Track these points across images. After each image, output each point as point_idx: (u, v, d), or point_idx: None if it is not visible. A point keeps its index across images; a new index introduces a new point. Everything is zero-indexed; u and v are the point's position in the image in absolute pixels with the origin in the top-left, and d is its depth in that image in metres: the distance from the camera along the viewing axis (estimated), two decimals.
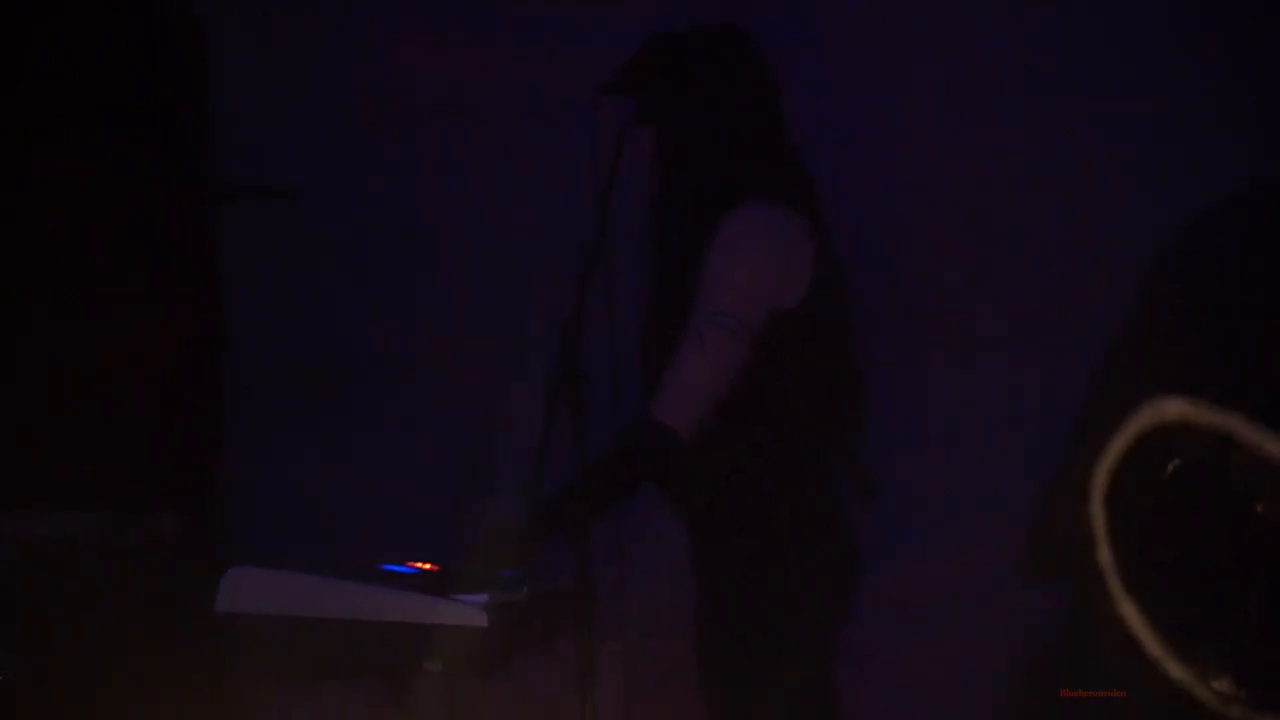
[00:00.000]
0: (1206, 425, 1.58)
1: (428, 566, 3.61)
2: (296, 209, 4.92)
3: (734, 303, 3.53)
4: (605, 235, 3.66)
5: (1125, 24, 4.66)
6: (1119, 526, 1.64)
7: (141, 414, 4.75)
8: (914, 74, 4.77)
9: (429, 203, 5.02)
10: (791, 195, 3.62)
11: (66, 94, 4.75)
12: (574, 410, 3.63)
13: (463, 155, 4.98)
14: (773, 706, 3.62)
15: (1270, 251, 1.67)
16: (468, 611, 3.39)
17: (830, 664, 3.70)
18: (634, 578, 3.86)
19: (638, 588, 3.88)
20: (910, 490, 4.51)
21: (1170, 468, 1.61)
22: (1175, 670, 1.62)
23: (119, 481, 4.64)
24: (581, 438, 3.65)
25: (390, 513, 4.77)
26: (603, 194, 3.65)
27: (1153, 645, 1.64)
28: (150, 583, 4.43)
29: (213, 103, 5.04)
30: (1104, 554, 1.64)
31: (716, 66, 3.66)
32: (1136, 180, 4.59)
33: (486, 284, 4.96)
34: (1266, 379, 1.62)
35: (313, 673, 3.66)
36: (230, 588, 3.47)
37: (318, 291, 5.06)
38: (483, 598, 3.44)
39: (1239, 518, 1.60)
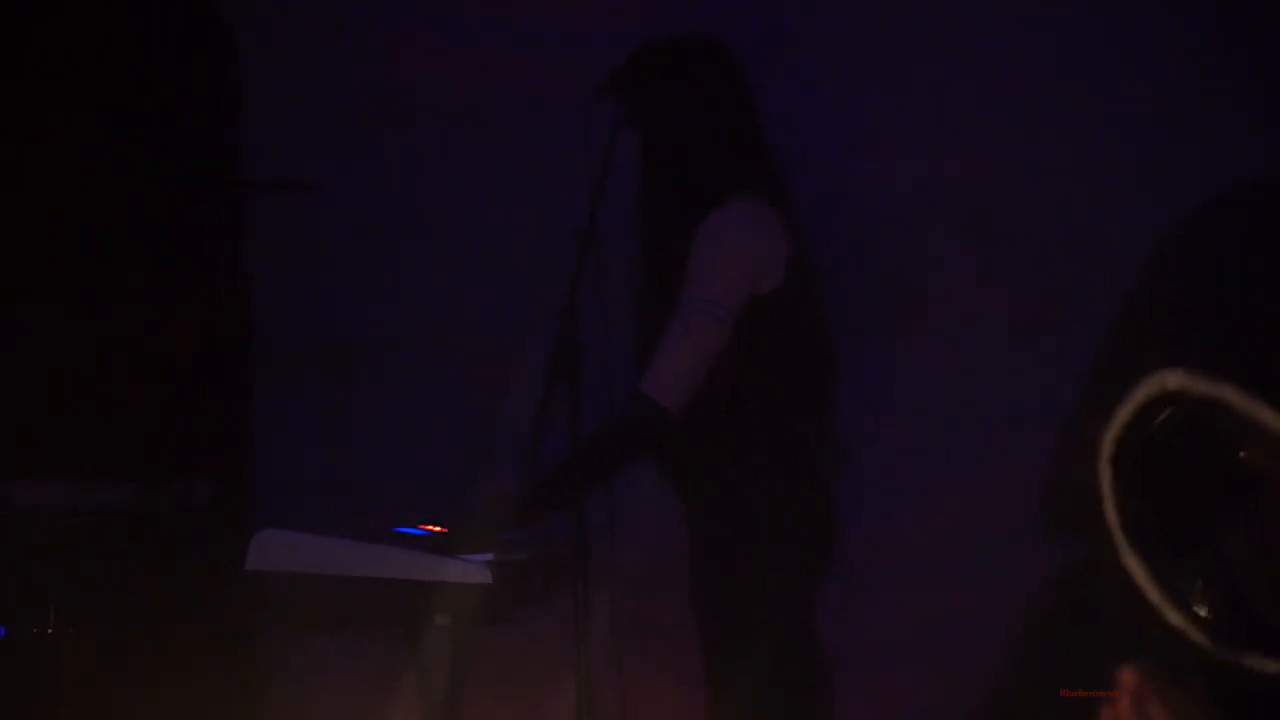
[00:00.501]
0: (1204, 394, 1.60)
1: (437, 529, 3.76)
2: (319, 204, 4.91)
3: (716, 290, 3.73)
4: (597, 225, 3.83)
5: (1125, 24, 4.65)
6: (1122, 485, 1.66)
7: (178, 391, 4.81)
8: (914, 74, 4.76)
9: (438, 198, 5.00)
10: (768, 193, 3.82)
11: (115, 99, 4.79)
12: (569, 388, 3.77)
13: (467, 153, 4.97)
14: (761, 654, 3.78)
15: (1266, 246, 1.66)
16: (473, 570, 3.57)
17: (813, 617, 3.88)
18: (624, 539, 3.96)
19: (628, 548, 3.97)
20: (909, 474, 4.58)
21: (1164, 415, 1.63)
22: (1173, 617, 1.64)
23: (158, 452, 4.69)
24: (576, 414, 3.79)
25: (403, 481, 4.78)
26: (595, 188, 3.82)
27: (1153, 594, 1.65)
28: (186, 545, 4.46)
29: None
30: (1110, 511, 1.66)
31: (698, 75, 3.85)
32: (1136, 180, 4.55)
33: (490, 274, 4.93)
34: (1256, 355, 1.59)
35: (332, 625, 3.81)
36: (258, 549, 3.64)
37: (339, 280, 5.06)
38: (486, 557, 3.60)
39: (1225, 466, 1.62)
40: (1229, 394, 1.56)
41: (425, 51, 5.04)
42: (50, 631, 4.30)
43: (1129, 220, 4.47)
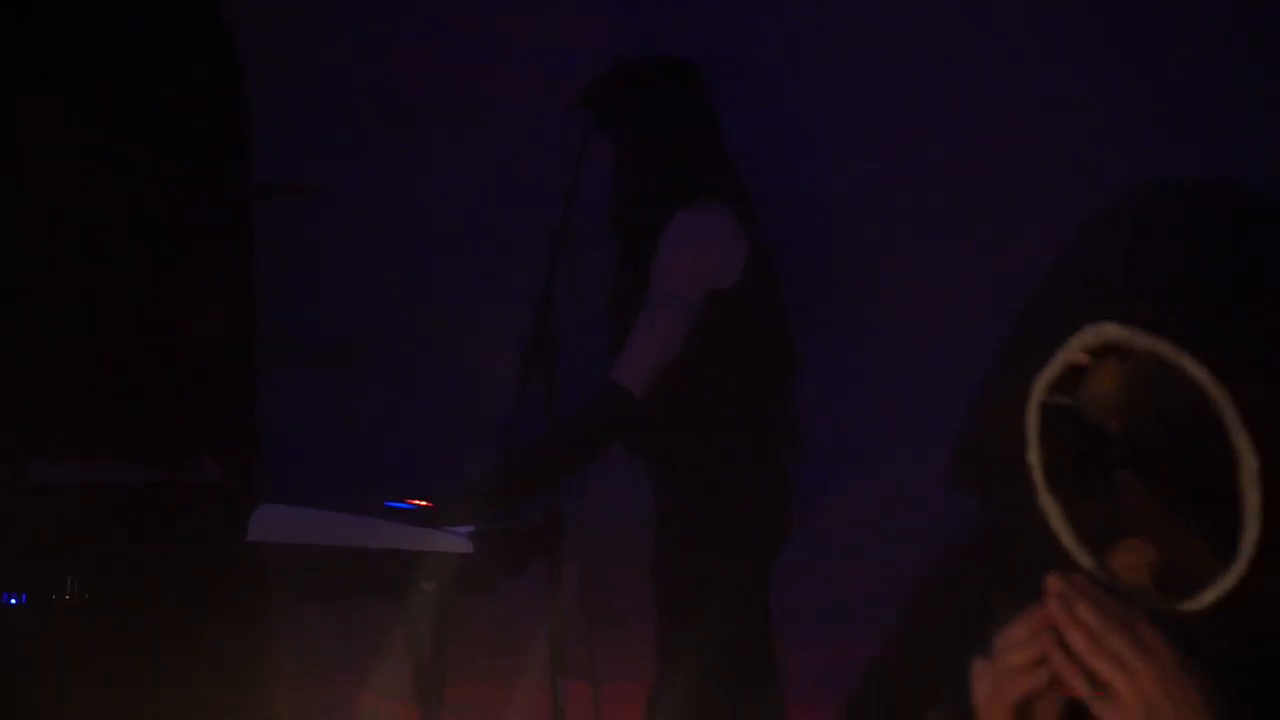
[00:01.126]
0: (1140, 347, 1.63)
1: (424, 503, 3.90)
2: (320, 203, 5.01)
3: (679, 286, 3.96)
4: (571, 224, 4.04)
5: (1124, 24, 4.71)
6: (1048, 428, 1.68)
7: (188, 378, 4.84)
8: (916, 73, 4.84)
9: (432, 198, 5.13)
10: (727, 196, 4.05)
11: (118, 100, 4.79)
12: (545, 375, 3.99)
13: (459, 155, 5.10)
14: (717, 620, 3.95)
15: (1199, 222, 1.70)
16: (456, 540, 3.71)
17: (766, 587, 4.06)
18: (595, 512, 4.09)
19: (598, 520, 4.10)
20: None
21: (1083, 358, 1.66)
22: (1084, 560, 1.68)
23: (169, 434, 4.72)
24: (553, 399, 3.99)
25: (395, 460, 4.94)
26: (568, 189, 4.03)
27: (1066, 537, 1.69)
28: (195, 518, 4.54)
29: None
30: (1034, 454, 1.69)
31: (664, 91, 4.08)
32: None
33: (477, 268, 5.06)
34: (1189, 312, 1.62)
35: (327, 592, 3.94)
36: (259, 521, 3.80)
37: (338, 275, 5.19)
38: (469, 529, 3.75)
39: (1135, 417, 1.65)
40: (1162, 347, 1.61)
41: (423, 55, 5.16)
42: (68, 598, 4.36)
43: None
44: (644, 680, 4.17)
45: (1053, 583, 1.61)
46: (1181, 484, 1.63)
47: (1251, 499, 1.60)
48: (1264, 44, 4.62)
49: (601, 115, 4.07)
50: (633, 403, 3.95)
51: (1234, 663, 1.67)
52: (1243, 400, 1.60)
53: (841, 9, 4.96)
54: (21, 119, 4.75)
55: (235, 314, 4.98)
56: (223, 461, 4.70)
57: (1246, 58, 4.63)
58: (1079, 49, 4.76)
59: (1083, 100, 4.73)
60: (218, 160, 4.98)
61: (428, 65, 5.14)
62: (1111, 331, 1.64)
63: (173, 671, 4.50)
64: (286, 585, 3.98)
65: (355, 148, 5.18)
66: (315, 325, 5.20)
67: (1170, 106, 4.67)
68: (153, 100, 4.86)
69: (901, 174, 4.83)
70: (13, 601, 4.39)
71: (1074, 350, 1.66)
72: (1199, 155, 4.54)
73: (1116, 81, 4.72)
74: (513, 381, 4.03)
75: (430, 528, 3.75)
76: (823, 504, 4.45)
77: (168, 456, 4.65)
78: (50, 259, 4.77)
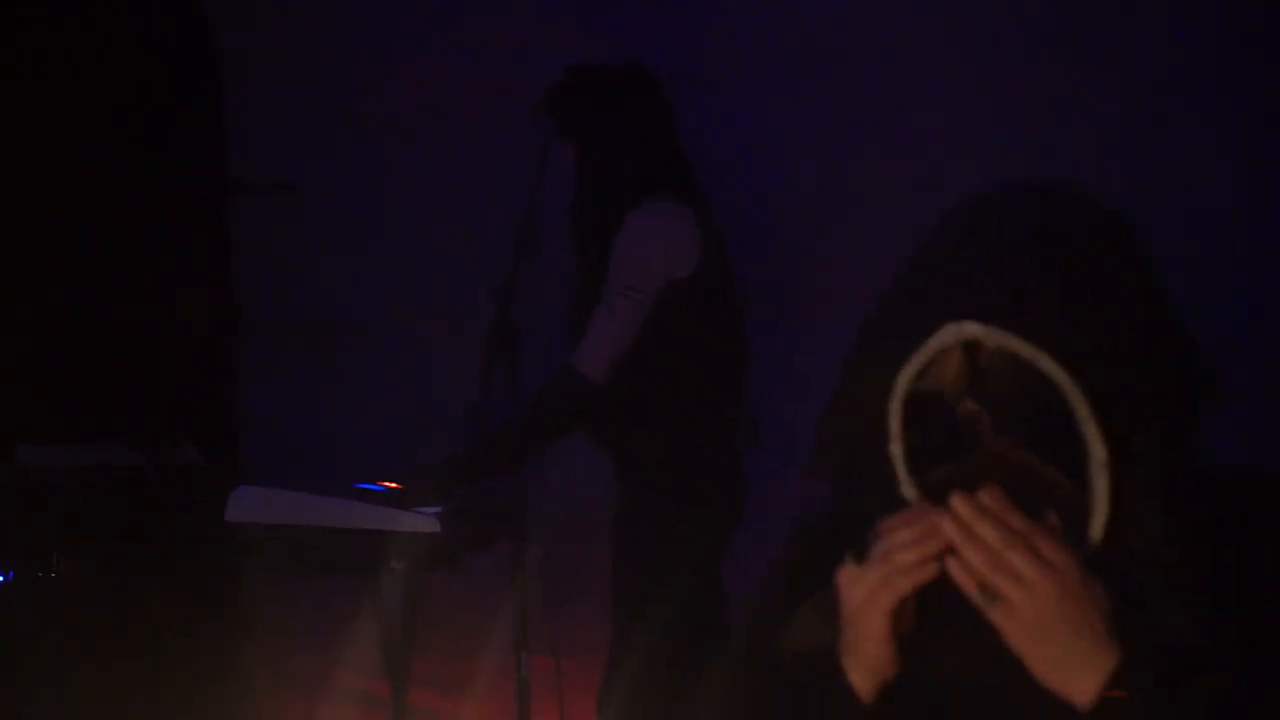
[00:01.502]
0: (995, 344, 1.68)
1: (393, 485, 3.95)
2: (297, 199, 5.06)
3: (636, 277, 4.05)
4: (535, 219, 4.13)
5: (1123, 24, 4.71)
6: (910, 422, 1.72)
7: (170, 365, 4.94)
8: (916, 73, 4.84)
9: (401, 193, 5.18)
10: (681, 192, 4.15)
11: (113, 104, 4.88)
12: (507, 362, 4.08)
13: (430, 154, 5.15)
14: (670, 603, 4.02)
15: (1049, 228, 1.76)
16: (424, 520, 3.78)
17: (717, 566, 4.15)
18: (557, 493, 4.25)
19: (560, 501, 4.26)
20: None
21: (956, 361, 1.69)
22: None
23: (152, 419, 4.82)
24: (515, 385, 4.08)
25: (365, 443, 4.93)
26: (532, 188, 4.12)
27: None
28: (174, 499, 4.58)
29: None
30: (896, 447, 1.73)
31: (620, 95, 4.18)
32: (1131, 180, 4.56)
33: (444, 261, 5.11)
34: (1042, 312, 1.67)
35: (300, 569, 3.96)
36: (236, 502, 3.85)
37: (313, 267, 5.20)
38: (436, 509, 3.82)
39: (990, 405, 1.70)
40: (1017, 345, 1.68)
41: (395, 60, 5.19)
42: (54, 576, 4.40)
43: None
44: (605, 655, 4.19)
45: (956, 501, 1.67)
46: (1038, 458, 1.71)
47: (1100, 486, 1.68)
48: (1263, 44, 4.66)
49: (560, 122, 4.18)
50: (591, 389, 4.05)
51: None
52: (1094, 396, 1.68)
53: (805, 10, 5.04)
54: (2, 116, 4.78)
55: (214, 304, 5.04)
56: (201, 445, 4.73)
57: (1245, 57, 4.66)
58: (1050, 49, 4.80)
59: (1056, 102, 4.76)
60: (196, 157, 5.04)
61: (400, 69, 5.19)
62: (972, 330, 1.69)
63: (155, 646, 4.55)
64: (261, 563, 4.03)
65: (331, 148, 5.20)
66: (291, 316, 5.22)
67: (1170, 107, 4.70)
68: (133, 98, 4.91)
69: (863, 173, 4.88)
70: (0, 579, 4.43)
71: (934, 348, 1.71)
72: (1197, 156, 4.62)
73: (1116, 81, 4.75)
74: (478, 370, 4.11)
75: (399, 509, 3.82)
76: (777, 490, 4.35)
77: (149, 441, 4.68)
78: (36, 253, 4.80)
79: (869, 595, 1.73)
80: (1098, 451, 1.69)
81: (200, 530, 4.33)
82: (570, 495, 4.41)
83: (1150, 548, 1.72)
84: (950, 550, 1.69)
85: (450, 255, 5.13)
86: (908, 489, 1.74)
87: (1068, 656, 1.67)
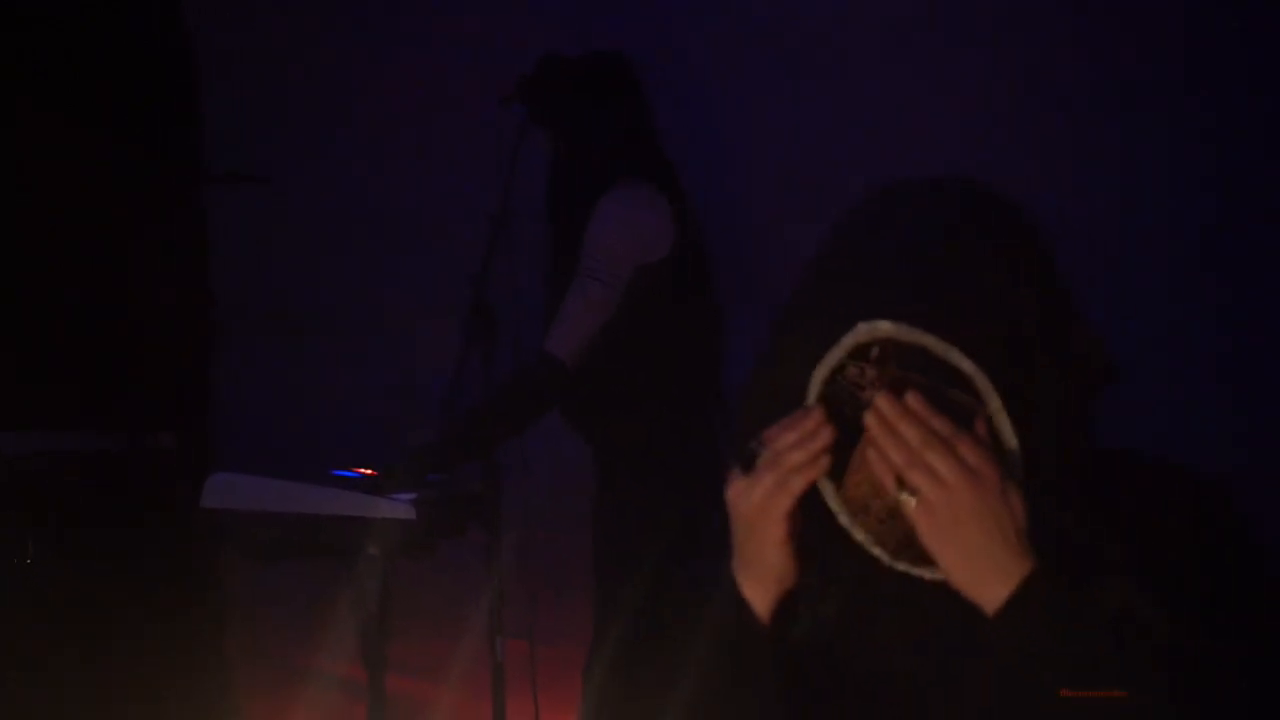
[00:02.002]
0: (907, 341, 1.70)
1: (369, 471, 3.98)
2: (272, 189, 5.07)
3: (608, 261, 4.10)
4: (509, 208, 4.15)
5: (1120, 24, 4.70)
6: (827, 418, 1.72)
7: (147, 353, 4.95)
8: (915, 70, 4.85)
9: (376, 183, 5.23)
10: (654, 177, 4.19)
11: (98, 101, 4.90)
12: (483, 347, 4.09)
13: (400, 146, 5.21)
14: (646, 579, 4.06)
15: (955, 225, 1.77)
16: (400, 507, 3.79)
17: (695, 545, 4.08)
18: (536, 478, 4.21)
19: (535, 486, 4.22)
20: None
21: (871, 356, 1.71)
22: (858, 534, 1.73)
23: (129, 406, 4.83)
24: (490, 370, 4.09)
25: (341, 430, 4.91)
26: (506, 176, 4.15)
27: (842, 516, 1.74)
28: (152, 487, 4.63)
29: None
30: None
31: (594, 83, 4.22)
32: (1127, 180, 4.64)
33: (419, 248, 5.13)
34: (950, 308, 1.70)
35: (277, 556, 3.97)
36: (213, 489, 3.86)
37: (288, 256, 5.25)
38: (412, 496, 3.84)
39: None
40: (929, 341, 1.70)
41: (370, 51, 5.23)
42: (29, 562, 4.41)
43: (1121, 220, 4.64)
44: (580, 639, 4.24)
45: (880, 399, 1.70)
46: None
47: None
48: (1263, 44, 4.67)
49: (532, 110, 4.21)
50: (564, 372, 4.09)
51: None
52: (1002, 387, 1.71)
53: (805, 9, 5.05)
54: None
55: (189, 292, 5.07)
56: (177, 431, 4.77)
57: (1244, 57, 4.67)
58: (1033, 46, 4.82)
59: (1060, 101, 4.79)
60: (171, 147, 5.07)
61: (375, 60, 5.23)
62: (884, 329, 1.71)
63: (131, 631, 4.57)
64: (238, 550, 4.05)
65: (306, 138, 5.24)
66: (267, 303, 5.24)
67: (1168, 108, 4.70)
68: (111, 89, 4.93)
69: (862, 172, 4.75)
70: None
71: (848, 345, 1.72)
72: (1197, 157, 4.64)
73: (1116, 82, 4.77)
74: (454, 356, 4.13)
75: (375, 495, 3.84)
76: None
77: (124, 427, 4.72)
78: (10, 241, 4.80)
79: (764, 501, 1.75)
80: (1010, 441, 1.72)
81: (176, 517, 4.40)
82: (546, 481, 4.40)
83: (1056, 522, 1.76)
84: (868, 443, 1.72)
85: (426, 242, 5.15)
86: (822, 483, 1.77)
87: (980, 560, 1.69)
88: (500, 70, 4.32)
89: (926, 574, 1.74)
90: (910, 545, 1.74)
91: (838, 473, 1.76)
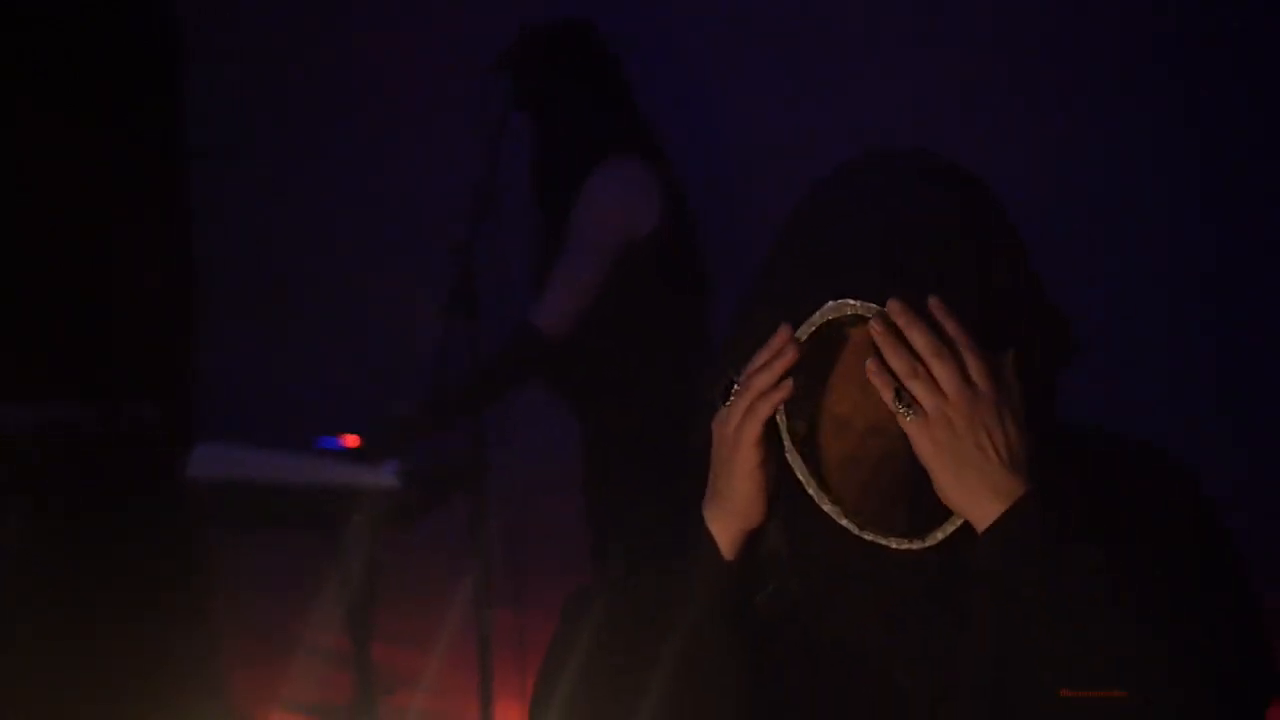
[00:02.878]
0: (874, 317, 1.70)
1: (353, 439, 3.99)
2: (255, 161, 5.13)
3: (595, 233, 4.11)
4: (493, 178, 4.18)
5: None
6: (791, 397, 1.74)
7: (130, 324, 4.92)
8: (915, 70, 4.86)
9: (359, 157, 5.26)
10: (639, 150, 4.19)
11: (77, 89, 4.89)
12: (467, 319, 4.13)
13: (385, 120, 5.23)
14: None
15: (913, 198, 1.77)
16: (383, 476, 3.84)
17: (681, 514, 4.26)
18: (516, 446, 4.26)
19: (519, 454, 4.29)
20: None
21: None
22: (827, 505, 1.74)
23: (111, 377, 4.80)
24: (475, 342, 4.12)
25: (326, 399, 4.93)
26: (490, 150, 4.17)
27: (810, 486, 1.75)
28: (134, 457, 4.57)
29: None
30: (780, 417, 1.75)
31: (573, 54, 4.22)
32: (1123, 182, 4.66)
33: (404, 219, 5.17)
34: (911, 286, 1.69)
35: (261, 526, 4.06)
36: (197, 459, 3.93)
37: (272, 226, 5.28)
38: (395, 465, 3.88)
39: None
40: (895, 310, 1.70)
41: (350, 28, 5.26)
42: (11, 536, 4.41)
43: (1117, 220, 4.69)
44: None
45: (892, 304, 1.69)
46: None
47: None
48: (1263, 43, 4.70)
49: (518, 81, 4.22)
50: (548, 344, 4.10)
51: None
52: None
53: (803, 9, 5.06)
54: None
55: (172, 263, 5.06)
56: (160, 402, 4.76)
57: (1243, 58, 4.71)
58: (1033, 44, 4.85)
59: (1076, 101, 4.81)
60: (153, 119, 5.05)
61: (356, 31, 5.26)
62: (853, 306, 1.72)
63: (114, 608, 4.58)
64: (221, 519, 4.11)
65: (289, 109, 5.29)
66: (250, 276, 5.32)
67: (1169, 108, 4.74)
68: (89, 65, 4.92)
69: (835, 154, 4.91)
70: None
71: (816, 322, 1.73)
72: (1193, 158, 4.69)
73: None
74: (437, 329, 4.16)
75: (358, 464, 3.88)
76: None
77: (105, 398, 4.70)
78: None
79: (736, 427, 1.75)
80: None
81: (159, 487, 4.39)
82: (532, 451, 4.48)
83: None
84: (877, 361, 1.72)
85: (409, 214, 5.18)
86: (793, 458, 1.77)
87: (973, 476, 1.69)
88: (487, 41, 4.35)
89: (893, 544, 1.74)
90: (875, 495, 1.75)
91: (808, 450, 1.76)
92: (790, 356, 1.72)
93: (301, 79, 5.27)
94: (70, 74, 4.90)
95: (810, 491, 1.75)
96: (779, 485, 1.78)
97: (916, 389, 1.68)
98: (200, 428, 4.79)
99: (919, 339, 1.68)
